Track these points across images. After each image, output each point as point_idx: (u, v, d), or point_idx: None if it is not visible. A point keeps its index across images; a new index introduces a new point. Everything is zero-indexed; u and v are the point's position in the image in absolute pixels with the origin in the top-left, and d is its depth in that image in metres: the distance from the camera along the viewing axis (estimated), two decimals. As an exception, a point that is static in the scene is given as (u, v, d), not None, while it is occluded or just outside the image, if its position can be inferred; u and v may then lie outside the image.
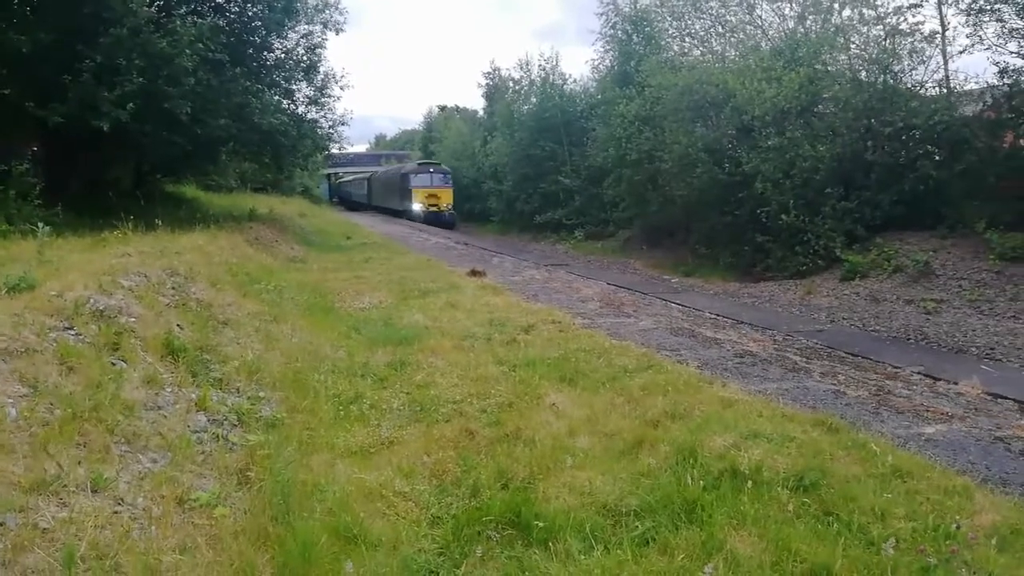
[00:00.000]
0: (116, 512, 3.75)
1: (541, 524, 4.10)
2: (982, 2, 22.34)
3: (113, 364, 5.32)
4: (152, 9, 15.74)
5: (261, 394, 6.14)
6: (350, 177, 73.05)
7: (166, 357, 6.03)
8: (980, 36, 22.78)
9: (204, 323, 7.42)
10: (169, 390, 5.48)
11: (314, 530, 3.95)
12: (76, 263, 7.87)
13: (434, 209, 40.60)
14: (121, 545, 3.40)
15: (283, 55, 21.55)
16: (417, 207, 41.34)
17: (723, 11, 28.82)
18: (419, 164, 48.31)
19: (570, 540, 3.98)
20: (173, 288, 8.13)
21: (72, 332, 5.42)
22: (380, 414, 6.22)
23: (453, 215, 41.19)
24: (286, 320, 9.12)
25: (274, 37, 20.65)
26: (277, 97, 21.05)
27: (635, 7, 35.61)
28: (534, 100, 42.87)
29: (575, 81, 43.17)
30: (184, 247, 11.15)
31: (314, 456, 5.12)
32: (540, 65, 44.01)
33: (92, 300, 6.11)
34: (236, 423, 5.44)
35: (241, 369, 6.43)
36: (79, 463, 3.93)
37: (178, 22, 15.29)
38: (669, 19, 32.50)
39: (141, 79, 14.06)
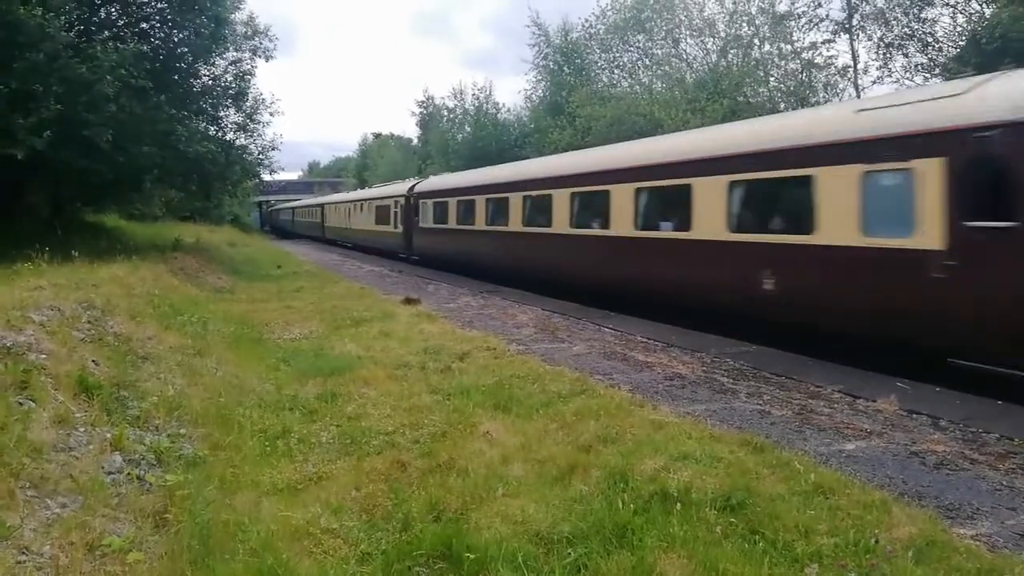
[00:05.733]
0: (20, 562, 3.54)
1: (472, 556, 4.04)
2: (890, 38, 23.90)
3: (20, 404, 5.05)
4: (71, 34, 15.26)
5: (182, 431, 5.90)
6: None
7: (79, 395, 5.74)
8: (889, 69, 24.40)
9: (122, 358, 7.12)
10: (82, 430, 5.22)
11: (236, 572, 3.80)
12: (-18, 297, 7.46)
13: None
14: (24, 598, 3.20)
15: (210, 81, 21.28)
16: None
17: (650, 44, 29.87)
18: None
19: (502, 571, 3.94)
20: (89, 322, 7.79)
21: (-25, 371, 5.13)
22: (308, 448, 6.06)
23: None
24: (211, 353, 8.82)
25: (201, 63, 20.37)
26: (204, 124, 20.65)
27: (566, 39, 36.57)
28: (468, 129, 43.33)
29: (508, 110, 43.91)
30: (102, 279, 10.72)
31: (237, 495, 4.93)
32: (474, 94, 44.67)
33: (-2, 336, 5.80)
34: (154, 463, 5.20)
35: (161, 406, 6.17)
36: (-21, 511, 3.70)
37: (99, 47, 14.87)
38: (598, 51, 33.52)
39: (59, 106, 13.60)
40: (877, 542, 4.10)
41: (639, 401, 7.25)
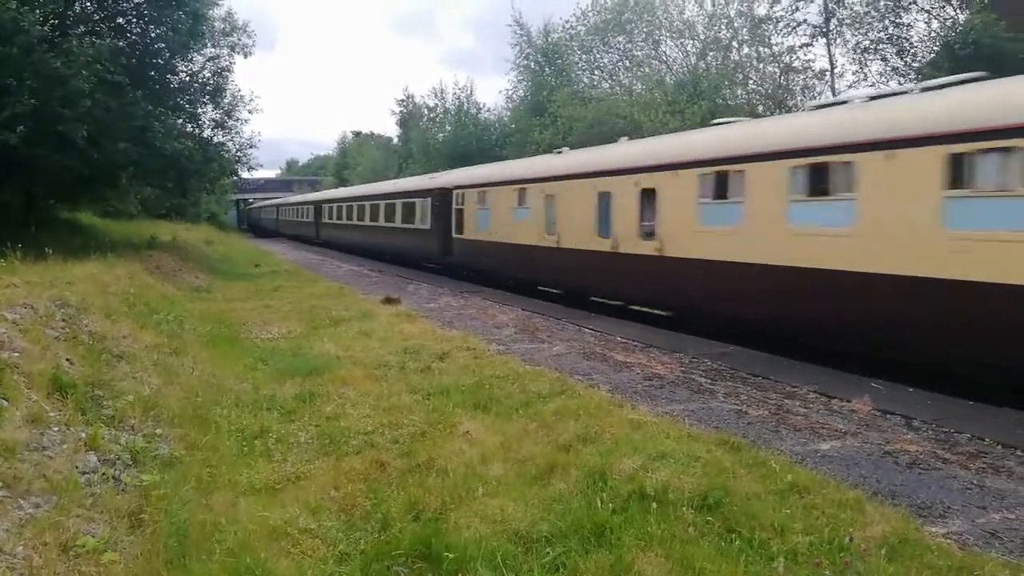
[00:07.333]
0: (-9, 564, 3.48)
1: (451, 555, 4.05)
2: (867, 43, 24.26)
3: (-9, 403, 4.97)
4: (46, 28, 15.03)
5: (158, 431, 5.83)
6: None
7: (53, 394, 5.66)
8: (865, 73, 24.75)
9: (97, 357, 7.02)
10: (56, 429, 5.15)
11: (212, 573, 3.77)
12: (-47, 295, 7.33)
13: None
14: (-5, 600, 3.15)
15: (188, 78, 21.03)
16: None
17: (630, 46, 30.05)
18: None
19: (480, 570, 3.94)
20: (63, 320, 7.68)
21: (-55, 370, 5.04)
22: (287, 448, 6.02)
23: None
24: (187, 352, 8.74)
25: (178, 60, 20.13)
26: (181, 120, 20.41)
27: (547, 40, 36.62)
28: (449, 128, 43.22)
29: (489, 110, 43.81)
30: (77, 277, 10.58)
31: (214, 495, 4.88)
32: (455, 93, 44.53)
33: (-31, 335, 5.70)
34: (130, 462, 5.14)
35: (136, 405, 6.10)
36: (-51, 512, 3.64)
37: (74, 42, 14.68)
38: (579, 52, 33.62)
39: (32, 100, 13.39)
40: (851, 540, 4.16)
41: (618, 401, 7.28)
